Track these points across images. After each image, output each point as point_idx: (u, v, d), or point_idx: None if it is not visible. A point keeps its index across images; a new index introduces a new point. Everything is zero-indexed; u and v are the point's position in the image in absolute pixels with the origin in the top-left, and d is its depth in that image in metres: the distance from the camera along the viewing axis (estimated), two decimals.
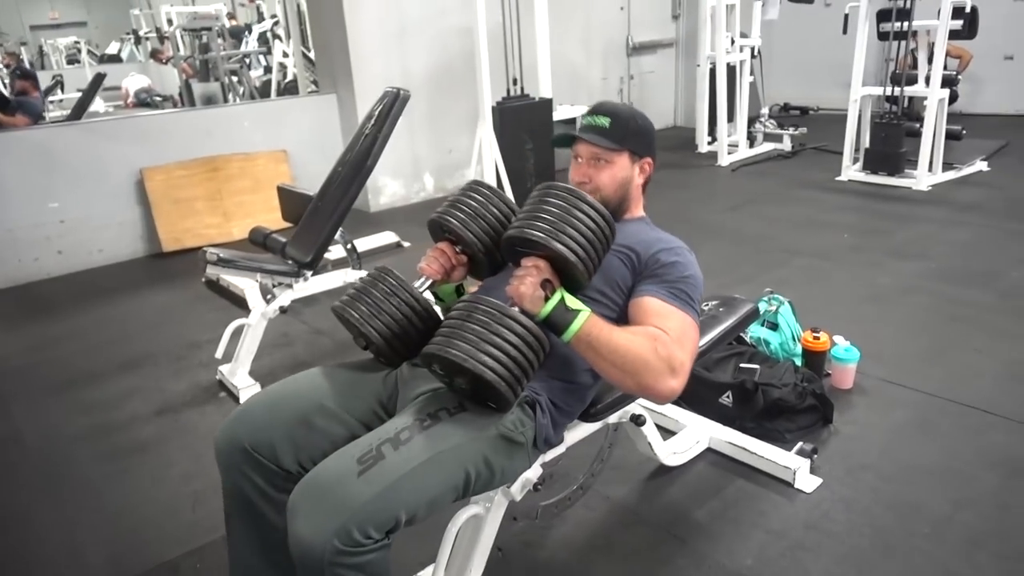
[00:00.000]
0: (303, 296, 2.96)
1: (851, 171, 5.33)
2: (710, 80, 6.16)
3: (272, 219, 3.86)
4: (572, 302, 1.34)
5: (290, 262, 2.81)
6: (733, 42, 6.11)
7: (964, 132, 5.34)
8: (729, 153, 6.14)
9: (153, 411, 2.70)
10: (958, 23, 4.72)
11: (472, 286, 1.70)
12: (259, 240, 3.27)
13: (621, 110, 1.62)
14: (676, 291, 1.44)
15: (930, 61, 4.90)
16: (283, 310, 2.75)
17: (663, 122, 8.05)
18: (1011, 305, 3.14)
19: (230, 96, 8.74)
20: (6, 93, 7.17)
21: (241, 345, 2.76)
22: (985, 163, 5.42)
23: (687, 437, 2.18)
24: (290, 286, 2.81)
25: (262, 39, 10.07)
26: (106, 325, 3.63)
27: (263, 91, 9.24)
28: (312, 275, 2.86)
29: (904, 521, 1.88)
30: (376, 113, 2.82)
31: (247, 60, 9.88)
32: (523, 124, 4.79)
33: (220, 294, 3.86)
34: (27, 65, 10.32)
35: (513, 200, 1.62)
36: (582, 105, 5.41)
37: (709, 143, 6.54)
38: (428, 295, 1.58)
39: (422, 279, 1.57)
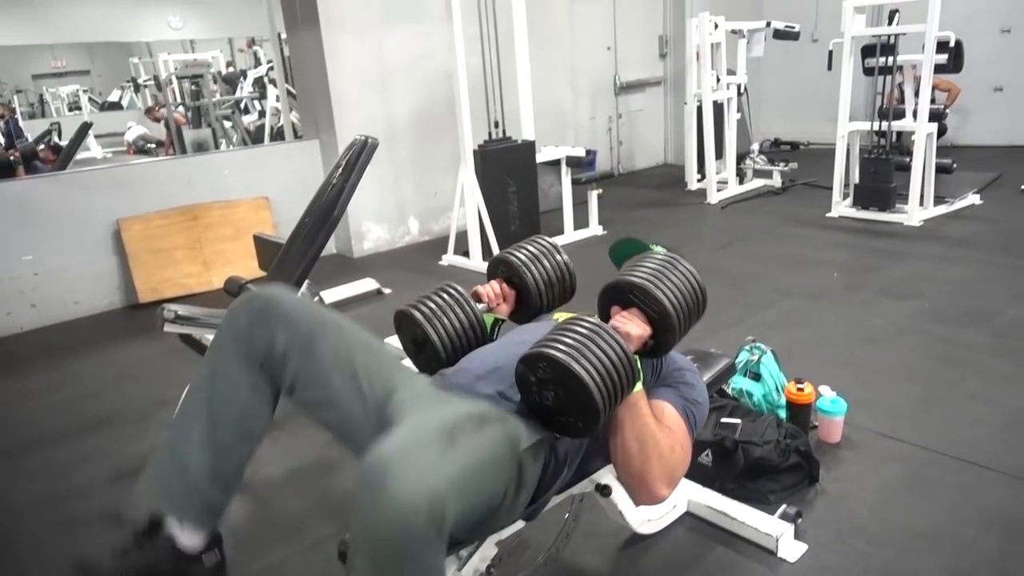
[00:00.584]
0: None
1: (841, 207, 5.25)
2: (697, 118, 6.13)
3: (255, 266, 3.78)
4: (638, 364, 1.38)
5: None
6: (719, 80, 6.09)
7: (955, 165, 5.27)
8: (718, 190, 6.08)
9: (108, 477, 2.57)
10: (943, 57, 4.68)
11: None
12: (234, 290, 3.17)
13: None
14: (689, 412, 1.51)
15: (917, 95, 4.85)
16: None
17: (653, 160, 8.02)
18: (1007, 345, 3.02)
19: (222, 142, 8.77)
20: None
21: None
22: (978, 196, 5.34)
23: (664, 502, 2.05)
24: None
25: (259, 84, 10.13)
26: (76, 381, 3.52)
27: (256, 136, 9.26)
28: None
29: None
30: (344, 162, 2.74)
31: (241, 105, 9.94)
32: (505, 167, 4.73)
33: (194, 347, 3.75)
34: (18, 116, 10.36)
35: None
36: (567, 146, 5.36)
37: (698, 180, 6.48)
38: None
39: (483, 305, 1.73)
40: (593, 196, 5.24)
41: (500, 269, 1.79)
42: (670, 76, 7.82)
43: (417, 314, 1.63)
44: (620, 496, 1.81)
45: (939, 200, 5.14)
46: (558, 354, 1.26)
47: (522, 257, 1.76)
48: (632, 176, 7.58)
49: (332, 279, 4.49)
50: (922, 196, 4.95)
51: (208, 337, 3.19)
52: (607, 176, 5.58)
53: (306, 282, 2.80)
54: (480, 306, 1.73)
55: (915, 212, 4.89)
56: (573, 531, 1.72)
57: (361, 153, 2.73)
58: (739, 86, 6.26)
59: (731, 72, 6.26)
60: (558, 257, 1.81)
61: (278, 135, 8.53)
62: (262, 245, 3.64)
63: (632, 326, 1.41)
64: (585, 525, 1.94)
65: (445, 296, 1.68)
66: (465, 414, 1.25)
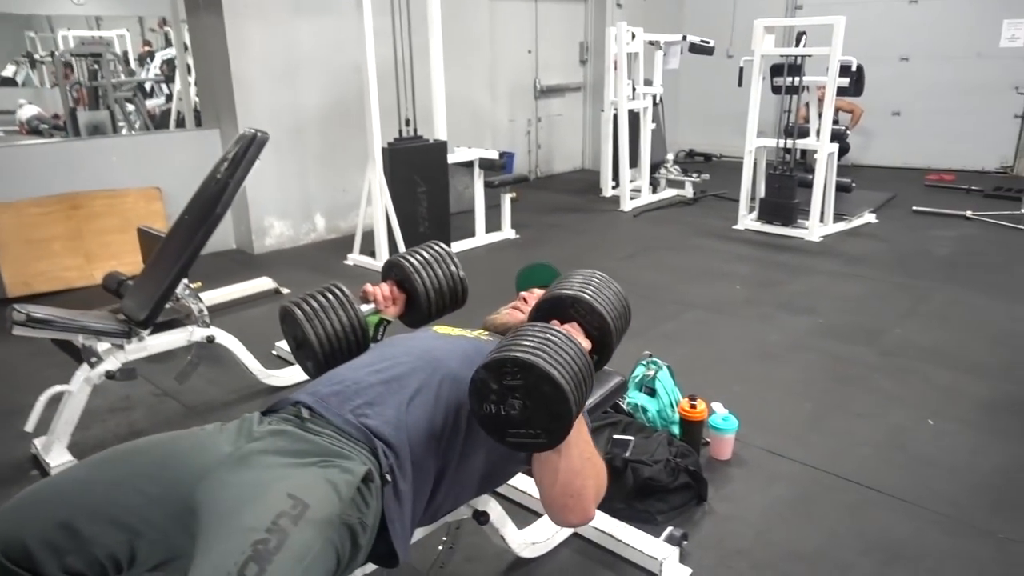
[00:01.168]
0: (145, 356, 2.62)
1: (747, 220, 5.36)
2: (613, 126, 6.15)
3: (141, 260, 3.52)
4: None
5: (123, 318, 2.49)
6: (635, 89, 6.14)
7: (854, 184, 5.47)
8: (632, 198, 6.13)
9: None
10: (845, 80, 4.84)
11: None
12: (112, 287, 2.94)
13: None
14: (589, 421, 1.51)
15: (821, 116, 5.00)
16: (111, 376, 2.42)
17: (571, 164, 8.04)
18: (892, 364, 3.11)
19: (123, 127, 8.25)
20: None
21: (59, 416, 2.40)
22: (874, 215, 5.57)
23: (548, 524, 1.97)
24: (121, 347, 2.48)
25: (170, 65, 9.59)
26: None
27: (162, 122, 8.76)
28: (150, 334, 2.54)
29: None
30: (230, 157, 2.55)
31: (146, 88, 9.39)
32: (416, 167, 4.59)
33: (67, 351, 3.45)
34: None
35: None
36: (484, 148, 5.27)
37: (613, 188, 6.51)
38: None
39: (371, 305, 1.69)
40: (506, 199, 5.17)
41: (393, 272, 1.75)
42: (590, 82, 7.85)
43: (298, 312, 1.57)
44: (500, 521, 1.72)
45: (838, 217, 5.32)
46: (534, 358, 1.16)
47: (414, 262, 1.71)
48: (549, 180, 7.56)
49: (229, 276, 4.24)
50: (822, 213, 5.11)
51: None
52: (521, 180, 5.52)
53: (183, 282, 2.59)
54: (367, 307, 1.68)
55: (815, 228, 5.04)
56: (449, 560, 1.62)
57: (249, 147, 2.55)
58: (655, 96, 6.33)
59: (648, 82, 6.32)
60: (451, 267, 1.75)
61: (183, 122, 8.08)
62: (145, 239, 3.40)
63: (577, 332, 1.37)
64: (466, 548, 1.85)
65: (329, 296, 1.61)
66: (274, 510, 1.09)
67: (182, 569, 1.16)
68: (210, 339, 2.69)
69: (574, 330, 1.37)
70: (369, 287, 1.72)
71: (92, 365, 2.41)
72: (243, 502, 1.13)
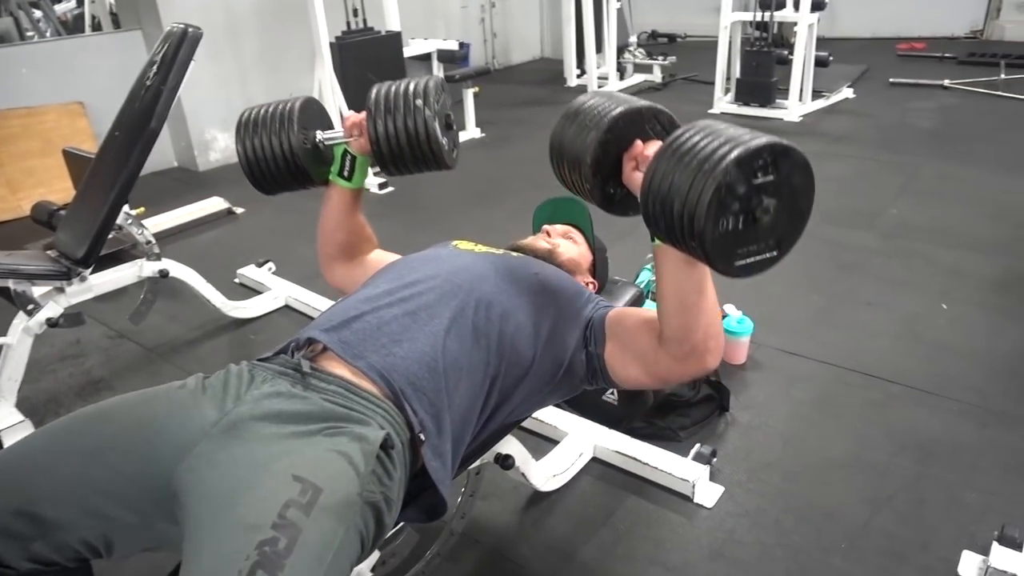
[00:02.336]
0: (92, 297, 2.32)
1: (723, 103, 5.10)
2: (576, 8, 5.71)
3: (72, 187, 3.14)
4: None
5: (58, 256, 2.17)
6: None
7: (831, 58, 5.20)
8: (599, 86, 5.77)
9: None
10: None
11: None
12: (43, 219, 2.60)
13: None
14: None
15: None
16: (54, 323, 2.13)
17: (530, 54, 7.56)
18: (895, 247, 2.98)
19: (32, 35, 7.41)
20: None
21: (1, 371, 2.12)
22: (851, 90, 5.35)
23: (567, 452, 1.82)
24: (61, 290, 2.18)
25: None
26: None
27: (75, 27, 7.89)
28: (92, 272, 2.24)
29: (819, 535, 1.62)
30: (158, 59, 2.17)
31: None
32: (369, 63, 4.16)
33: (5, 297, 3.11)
34: None
35: None
36: (438, 39, 4.83)
37: (578, 76, 6.13)
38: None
39: (338, 132, 1.40)
40: (469, 95, 4.80)
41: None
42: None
43: (239, 120, 1.39)
44: (521, 455, 1.55)
45: (816, 95, 5.09)
46: (786, 142, 0.90)
47: (380, 97, 1.29)
48: (509, 72, 7.10)
49: (174, 199, 3.87)
50: (801, 91, 4.87)
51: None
52: (483, 72, 5.11)
53: (124, 209, 2.26)
54: (334, 133, 1.41)
55: (795, 107, 4.81)
56: (471, 509, 1.45)
57: (180, 46, 2.17)
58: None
59: None
60: (425, 124, 1.26)
61: (99, 27, 7.29)
62: (73, 161, 3.05)
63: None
64: (482, 484, 1.69)
65: (277, 110, 1.36)
66: (279, 499, 0.87)
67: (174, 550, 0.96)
68: (163, 273, 2.39)
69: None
70: (349, 113, 1.43)
71: (30, 313, 2.11)
72: (238, 488, 0.91)
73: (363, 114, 1.32)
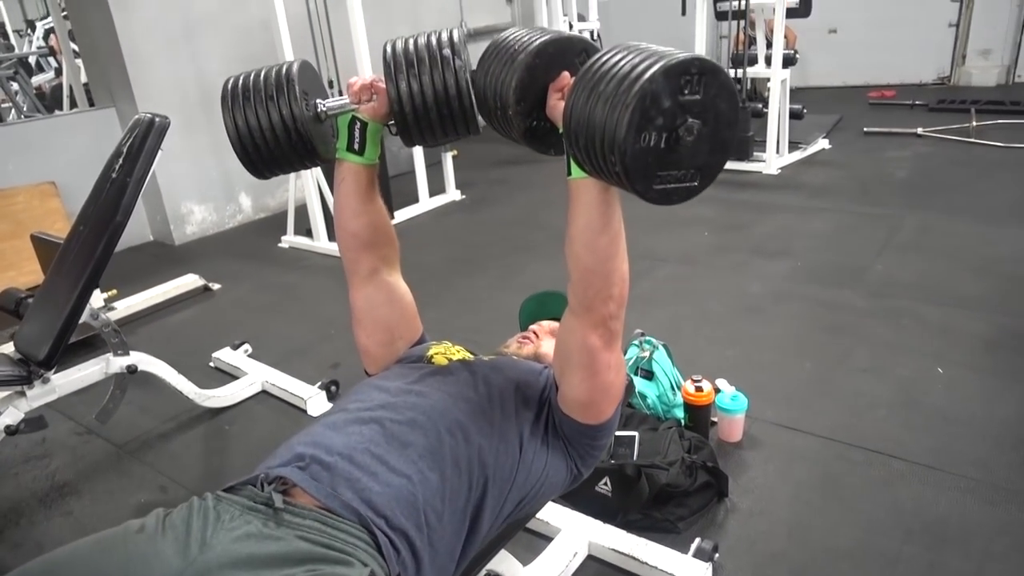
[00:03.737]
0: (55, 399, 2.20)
1: None
2: None
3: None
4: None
5: (19, 360, 2.07)
6: (572, 26, 5.75)
7: (805, 110, 5.27)
8: None
9: None
10: (795, 1, 4.57)
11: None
12: (10, 307, 2.49)
13: None
14: None
15: (769, 41, 4.74)
16: (13, 431, 2.01)
17: None
18: (883, 306, 2.94)
19: (8, 107, 7.37)
20: None
21: None
22: (827, 140, 5.40)
23: (560, 552, 1.72)
24: (22, 394, 2.07)
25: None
26: None
27: (54, 97, 7.86)
28: (56, 370, 2.13)
29: None
30: (125, 150, 2.12)
31: (30, 63, 8.41)
32: None
33: None
34: None
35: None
36: None
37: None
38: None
39: (343, 99, 1.22)
40: (448, 157, 4.78)
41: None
42: (518, 21, 7.38)
43: (224, 88, 1.20)
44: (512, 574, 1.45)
45: (793, 146, 5.13)
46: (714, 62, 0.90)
47: (399, 50, 1.14)
48: (488, 130, 7.10)
49: (149, 276, 3.78)
50: (778, 143, 4.91)
51: None
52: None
53: (90, 307, 2.17)
54: (338, 100, 1.23)
55: (773, 160, 4.84)
56: None
57: (147, 136, 2.13)
58: (592, 32, 5.95)
59: (582, 18, 5.94)
60: (456, 64, 1.11)
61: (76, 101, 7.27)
62: (42, 247, 3.00)
63: None
64: None
65: (271, 73, 1.18)
66: None
67: None
68: (131, 369, 2.28)
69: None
70: (353, 78, 1.25)
71: None
72: None
73: (371, 77, 1.20)
